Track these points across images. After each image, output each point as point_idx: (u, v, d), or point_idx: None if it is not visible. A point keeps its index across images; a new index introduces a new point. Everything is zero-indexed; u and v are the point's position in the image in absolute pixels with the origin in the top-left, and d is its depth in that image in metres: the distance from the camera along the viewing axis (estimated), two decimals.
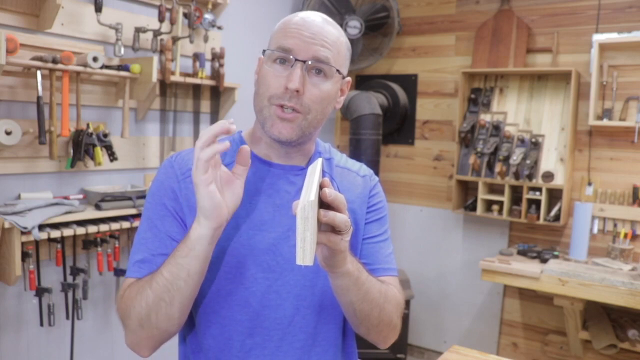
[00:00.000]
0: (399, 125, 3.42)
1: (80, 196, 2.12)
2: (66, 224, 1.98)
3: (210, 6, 2.51)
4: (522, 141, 2.91)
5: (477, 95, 3.12)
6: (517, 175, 2.84)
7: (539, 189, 2.81)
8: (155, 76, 2.14)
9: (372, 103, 3.07)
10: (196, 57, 2.48)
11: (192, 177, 0.83)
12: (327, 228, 0.77)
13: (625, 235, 2.70)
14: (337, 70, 0.97)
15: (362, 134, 3.00)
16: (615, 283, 2.37)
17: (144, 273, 0.93)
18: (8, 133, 1.82)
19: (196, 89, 2.58)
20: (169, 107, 2.47)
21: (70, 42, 2.06)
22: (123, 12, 2.24)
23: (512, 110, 3.03)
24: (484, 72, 3.06)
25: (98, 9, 2.04)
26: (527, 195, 2.84)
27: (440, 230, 3.38)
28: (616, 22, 2.78)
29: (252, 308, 0.97)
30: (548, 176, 2.77)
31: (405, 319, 3.04)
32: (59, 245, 2.01)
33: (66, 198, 2.04)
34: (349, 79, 1.03)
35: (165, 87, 2.41)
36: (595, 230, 2.84)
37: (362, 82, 3.52)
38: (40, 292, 1.96)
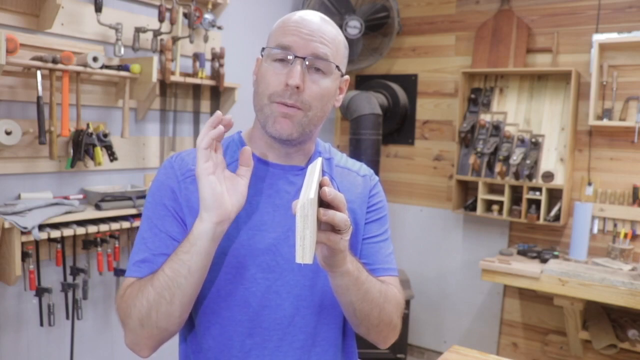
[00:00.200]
0: (399, 125, 3.42)
1: (80, 196, 2.12)
2: (66, 224, 1.98)
3: (210, 6, 2.51)
4: (522, 141, 2.91)
5: (477, 95, 3.12)
6: (517, 175, 2.84)
7: (539, 189, 2.81)
8: (155, 76, 2.14)
9: (372, 103, 3.07)
10: (196, 57, 2.48)
11: (196, 171, 0.86)
12: (326, 227, 0.77)
13: (625, 235, 2.70)
14: (337, 67, 0.97)
15: (362, 134, 3.00)
16: (615, 283, 2.37)
17: (145, 273, 0.93)
18: (8, 133, 1.82)
19: (196, 89, 2.58)
20: (169, 107, 2.47)
21: (70, 42, 2.06)
22: (123, 12, 2.24)
23: (512, 110, 3.03)
24: (484, 72, 3.06)
25: (98, 9, 2.04)
26: (527, 195, 2.84)
27: (440, 230, 3.38)
28: (616, 22, 2.78)
29: (251, 308, 0.97)
30: (548, 176, 2.77)
31: (405, 319, 3.04)
32: (59, 245, 2.01)
33: (66, 198, 2.04)
34: (347, 77, 1.03)
35: (165, 87, 2.41)
36: (595, 230, 2.84)
37: (362, 82, 3.52)
38: (40, 292, 1.96)
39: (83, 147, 2.02)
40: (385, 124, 3.24)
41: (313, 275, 0.99)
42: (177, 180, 0.98)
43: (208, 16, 2.49)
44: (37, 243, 1.95)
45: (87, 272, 2.10)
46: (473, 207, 3.08)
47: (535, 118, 2.96)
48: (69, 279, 2.09)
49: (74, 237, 2.04)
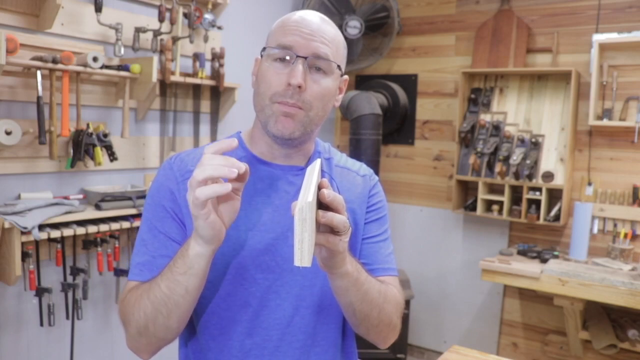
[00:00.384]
0: (399, 125, 3.42)
1: (80, 196, 2.12)
2: (66, 224, 1.98)
3: (210, 6, 2.51)
4: (522, 141, 2.91)
5: (477, 95, 3.12)
6: (517, 175, 2.84)
7: (539, 189, 2.81)
8: (155, 76, 2.14)
9: (372, 103, 3.07)
10: (196, 57, 2.48)
11: (189, 203, 0.79)
12: (325, 229, 0.77)
13: (625, 235, 2.70)
14: (338, 66, 0.97)
15: (362, 134, 3.00)
16: (615, 283, 2.37)
17: (146, 275, 0.93)
18: (8, 133, 1.82)
19: (196, 89, 2.58)
20: (169, 107, 2.47)
21: (70, 42, 2.06)
22: (123, 12, 2.24)
23: (512, 110, 3.03)
24: (484, 72, 3.06)
25: (98, 9, 2.03)
26: (527, 195, 2.84)
27: (440, 230, 3.38)
28: (616, 22, 2.78)
29: (251, 308, 0.97)
30: (548, 176, 2.77)
31: (405, 319, 3.04)
32: (59, 245, 2.01)
33: (66, 198, 2.04)
34: (346, 77, 1.04)
35: (165, 87, 2.41)
36: (595, 230, 2.84)
37: (362, 82, 3.52)
38: (40, 292, 1.96)
39: (83, 147, 2.02)
40: (385, 124, 3.24)
41: (313, 275, 0.99)
42: (177, 182, 0.98)
43: (208, 16, 2.49)
44: (37, 243, 1.95)
45: (87, 272, 2.10)
46: (473, 207, 3.08)
47: (535, 118, 2.96)
48: (69, 279, 2.09)
49: (74, 237, 2.04)
